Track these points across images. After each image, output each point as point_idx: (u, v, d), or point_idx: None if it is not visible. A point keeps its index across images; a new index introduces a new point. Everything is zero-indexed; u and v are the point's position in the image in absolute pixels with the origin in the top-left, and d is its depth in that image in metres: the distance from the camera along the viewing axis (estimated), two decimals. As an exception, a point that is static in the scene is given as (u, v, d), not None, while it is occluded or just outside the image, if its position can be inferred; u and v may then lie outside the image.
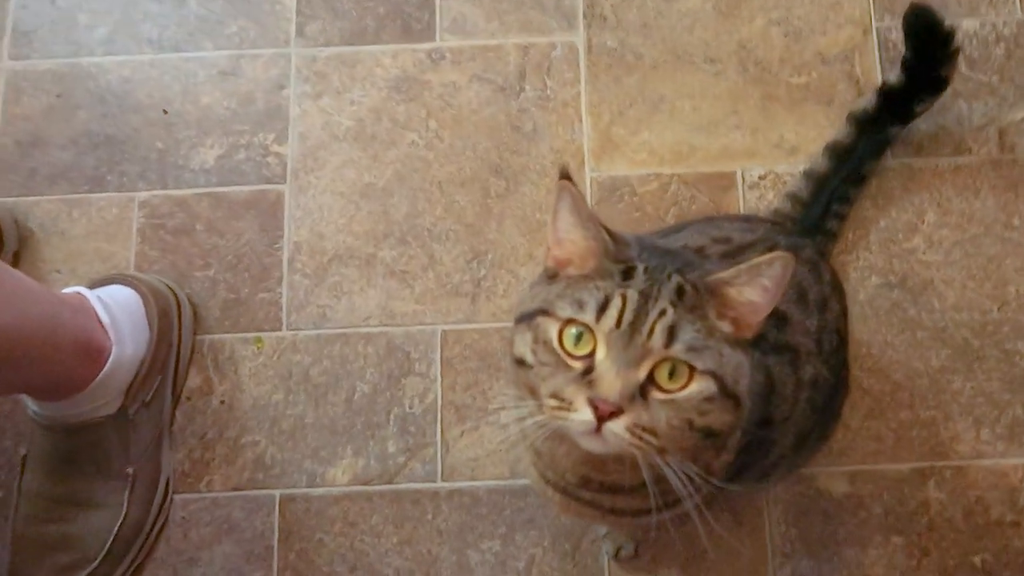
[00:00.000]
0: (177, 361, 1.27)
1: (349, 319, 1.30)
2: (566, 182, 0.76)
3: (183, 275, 1.32)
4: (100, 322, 1.16)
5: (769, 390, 0.92)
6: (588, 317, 0.74)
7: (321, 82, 1.41)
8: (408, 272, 1.32)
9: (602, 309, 0.74)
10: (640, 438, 0.72)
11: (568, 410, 0.73)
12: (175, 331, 1.26)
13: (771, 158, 1.35)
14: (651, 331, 0.73)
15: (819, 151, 1.26)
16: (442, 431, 1.25)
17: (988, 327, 1.28)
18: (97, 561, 1.18)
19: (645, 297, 0.74)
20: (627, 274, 0.77)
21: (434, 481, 1.23)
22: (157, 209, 1.35)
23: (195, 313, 1.31)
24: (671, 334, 0.73)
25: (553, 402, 0.74)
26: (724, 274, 0.75)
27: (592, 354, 0.74)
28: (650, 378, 0.72)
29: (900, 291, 1.29)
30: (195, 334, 1.30)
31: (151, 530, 1.22)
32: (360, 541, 1.22)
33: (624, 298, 0.74)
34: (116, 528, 1.18)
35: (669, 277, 0.76)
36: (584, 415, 0.72)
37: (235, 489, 1.24)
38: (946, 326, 1.28)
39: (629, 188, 1.35)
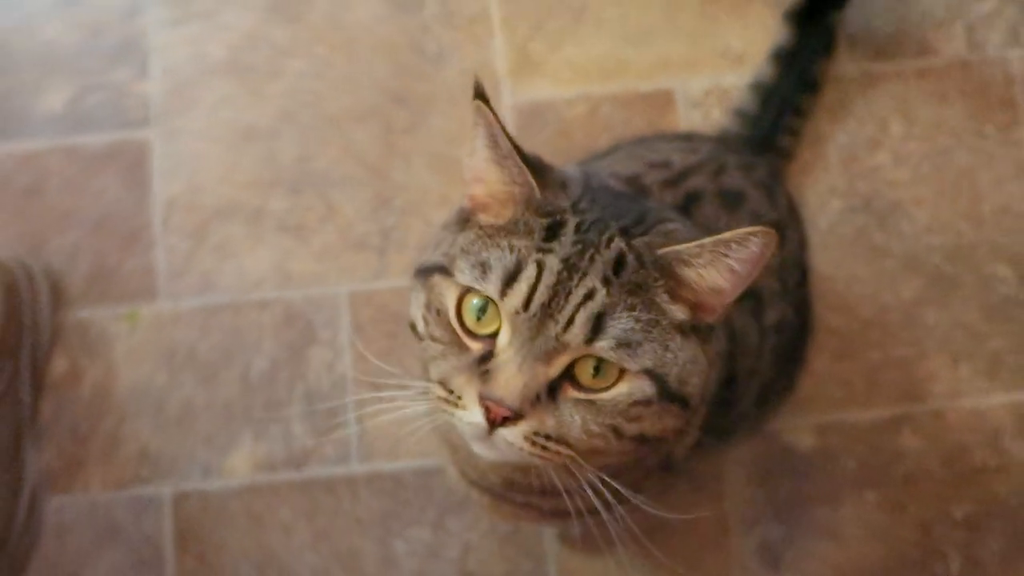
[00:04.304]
0: (34, 345, 1.17)
1: (238, 284, 1.21)
2: (481, 104, 0.62)
3: (37, 244, 1.22)
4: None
5: (731, 345, 0.82)
6: (491, 289, 0.61)
7: (182, 5, 1.29)
8: (304, 226, 1.23)
9: (509, 280, 0.61)
10: (544, 448, 0.60)
11: (456, 405, 0.61)
12: (26, 310, 1.15)
13: (715, 69, 1.27)
14: (571, 320, 0.59)
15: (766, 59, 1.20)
16: (355, 407, 1.16)
17: (963, 250, 1.22)
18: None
19: (570, 269, 0.60)
20: (552, 232, 0.62)
21: (349, 464, 1.16)
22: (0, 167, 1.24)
23: (54, 288, 1.21)
24: (598, 324, 0.59)
25: (440, 391, 0.62)
26: (681, 248, 0.61)
27: (496, 335, 0.61)
28: (567, 372, 0.61)
29: (865, 215, 1.22)
30: (56, 312, 1.20)
31: (18, 543, 1.12)
32: (268, 539, 1.14)
33: (540, 267, 0.60)
34: (-30, 547, 1.09)
35: (609, 242, 0.62)
36: (473, 416, 0.60)
37: (117, 488, 1.15)
38: (917, 252, 1.22)
39: (554, 113, 1.26)
